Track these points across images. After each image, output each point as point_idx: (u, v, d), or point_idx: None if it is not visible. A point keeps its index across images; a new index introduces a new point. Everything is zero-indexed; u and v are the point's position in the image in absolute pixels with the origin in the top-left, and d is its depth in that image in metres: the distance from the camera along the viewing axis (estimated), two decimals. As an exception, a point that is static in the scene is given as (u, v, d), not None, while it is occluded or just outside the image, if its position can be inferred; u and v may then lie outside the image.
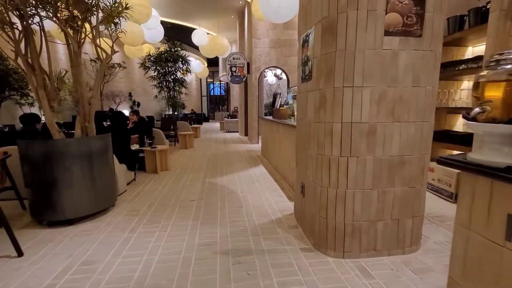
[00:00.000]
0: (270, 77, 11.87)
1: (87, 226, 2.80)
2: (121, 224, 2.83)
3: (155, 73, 10.15)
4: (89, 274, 1.99)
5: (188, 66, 10.54)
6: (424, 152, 2.13)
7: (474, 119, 1.08)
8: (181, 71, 10.39)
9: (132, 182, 4.37)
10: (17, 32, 2.68)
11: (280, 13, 4.72)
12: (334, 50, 1.98)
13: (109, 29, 2.99)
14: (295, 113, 4.46)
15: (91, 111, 3.03)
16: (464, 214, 1.17)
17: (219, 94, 26.38)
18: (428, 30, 1.96)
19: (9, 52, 2.75)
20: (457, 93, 3.96)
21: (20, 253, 2.24)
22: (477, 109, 1.05)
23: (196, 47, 11.49)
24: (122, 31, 3.01)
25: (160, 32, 7.99)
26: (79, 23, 2.84)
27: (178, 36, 11.84)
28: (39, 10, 2.71)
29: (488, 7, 3.16)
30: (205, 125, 18.22)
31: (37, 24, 2.82)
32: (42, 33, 2.80)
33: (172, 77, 10.36)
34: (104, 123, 6.15)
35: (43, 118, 4.40)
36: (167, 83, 10.42)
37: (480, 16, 3.25)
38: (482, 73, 1.09)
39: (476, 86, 1.11)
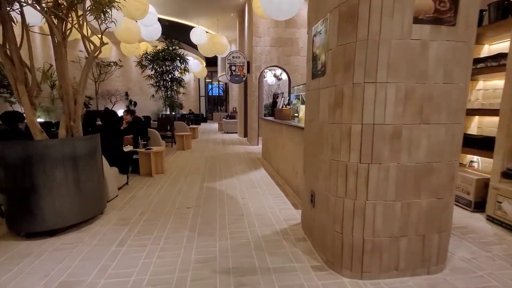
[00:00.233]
0: (269, 77, 11.61)
1: (70, 237, 2.51)
2: (109, 235, 2.53)
3: (152, 72, 9.87)
4: (67, 299, 1.71)
5: (186, 65, 10.29)
6: (454, 158, 1.86)
7: None
8: (179, 70, 10.14)
9: (124, 186, 4.07)
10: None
11: (282, 10, 4.51)
12: (354, 41, 1.71)
13: (98, 20, 2.72)
14: (299, 113, 4.21)
15: (77, 109, 2.74)
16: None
17: (217, 94, 26.09)
18: (463, 18, 1.69)
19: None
20: (473, 94, 3.71)
21: (-12, 272, 1.94)
22: None
23: (195, 46, 11.23)
24: (112, 21, 2.72)
25: (157, 30, 7.77)
26: (64, 11, 2.55)
27: (176, 34, 11.57)
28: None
29: (511, 0, 2.94)
30: (203, 125, 17.96)
31: (18, 12, 2.54)
32: (23, 22, 2.51)
33: (170, 76, 10.10)
34: (96, 122, 5.84)
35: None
36: (165, 83, 10.15)
37: (502, 10, 3.01)
38: None
39: None
